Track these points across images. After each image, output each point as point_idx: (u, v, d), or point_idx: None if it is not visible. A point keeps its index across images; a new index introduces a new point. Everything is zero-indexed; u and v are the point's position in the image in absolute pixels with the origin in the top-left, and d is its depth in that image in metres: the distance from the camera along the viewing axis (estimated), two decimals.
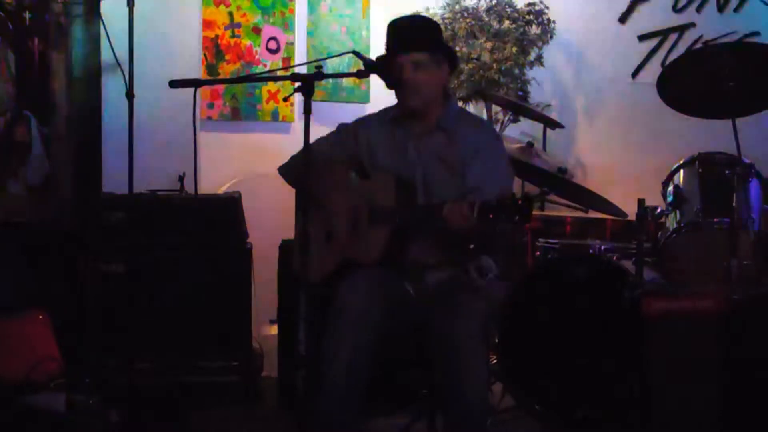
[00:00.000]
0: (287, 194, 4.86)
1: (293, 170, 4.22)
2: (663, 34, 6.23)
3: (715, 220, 4.44)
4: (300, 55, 6.24)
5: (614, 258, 4.48)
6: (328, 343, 3.73)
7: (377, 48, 6.35)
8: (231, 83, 6.08)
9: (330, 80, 6.31)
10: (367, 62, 3.67)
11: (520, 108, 5.91)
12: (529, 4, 6.33)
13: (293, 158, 4.23)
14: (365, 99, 6.44)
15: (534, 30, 6.36)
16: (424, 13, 6.26)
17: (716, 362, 3.84)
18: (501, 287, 4.28)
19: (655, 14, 6.28)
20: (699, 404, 3.79)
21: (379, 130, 4.11)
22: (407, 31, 4.03)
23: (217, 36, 5.99)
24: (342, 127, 4.24)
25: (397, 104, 4.07)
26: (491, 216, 3.41)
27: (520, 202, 3.36)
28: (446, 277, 3.95)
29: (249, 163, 6.07)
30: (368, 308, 3.76)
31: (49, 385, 4.61)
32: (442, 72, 3.99)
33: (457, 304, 3.75)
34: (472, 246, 3.95)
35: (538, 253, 4.92)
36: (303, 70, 3.50)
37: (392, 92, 4.01)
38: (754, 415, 3.94)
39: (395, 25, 4.07)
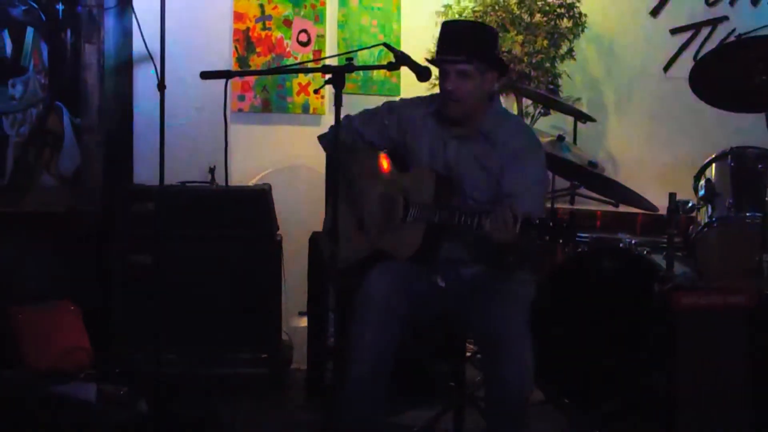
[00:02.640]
0: (317, 186, 4.89)
1: (332, 140, 4.17)
2: (695, 27, 6.19)
3: (747, 214, 4.41)
4: (331, 48, 6.24)
5: (645, 252, 4.45)
6: (354, 335, 3.74)
7: (408, 40, 6.36)
8: (262, 75, 6.08)
9: (361, 73, 6.30)
10: (398, 55, 3.65)
11: (550, 101, 5.88)
12: None
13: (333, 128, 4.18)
14: (396, 92, 6.43)
15: (565, 23, 6.34)
16: (455, 6, 6.26)
17: (746, 358, 3.82)
18: (531, 281, 4.27)
19: (688, 7, 6.23)
20: (727, 400, 3.77)
21: (423, 120, 4.05)
22: (454, 38, 3.93)
23: (248, 28, 6.00)
24: (386, 108, 4.18)
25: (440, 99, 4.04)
26: (534, 233, 3.39)
27: (565, 225, 3.34)
28: (481, 270, 3.94)
29: (279, 155, 6.08)
30: (394, 300, 3.76)
31: (80, 375, 4.65)
32: (486, 81, 3.90)
33: (498, 290, 3.74)
34: (510, 259, 3.91)
35: (567, 247, 4.90)
36: (334, 62, 3.52)
37: (423, 85, 3.98)
38: None
39: (446, 27, 4.01)
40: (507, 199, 3.72)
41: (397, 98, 6.08)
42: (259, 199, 5.15)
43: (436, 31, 6.41)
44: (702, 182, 4.65)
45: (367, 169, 4.06)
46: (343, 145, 3.91)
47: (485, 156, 3.91)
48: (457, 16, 6.35)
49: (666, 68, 6.29)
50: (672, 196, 4.19)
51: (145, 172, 5.29)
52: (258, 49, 6.03)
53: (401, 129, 4.09)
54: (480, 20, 6.22)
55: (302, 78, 6.15)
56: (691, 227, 4.71)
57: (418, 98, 4.23)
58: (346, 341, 3.69)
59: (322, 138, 4.27)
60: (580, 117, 6.00)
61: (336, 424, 3.67)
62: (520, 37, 6.17)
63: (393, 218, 3.94)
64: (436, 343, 4.22)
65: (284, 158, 6.07)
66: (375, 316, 3.74)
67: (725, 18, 6.08)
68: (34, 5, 5.11)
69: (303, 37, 6.16)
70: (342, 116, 3.56)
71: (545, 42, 6.17)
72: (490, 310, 3.66)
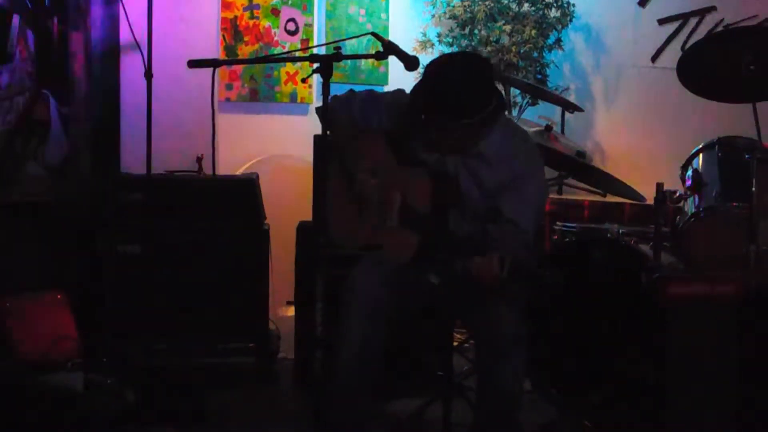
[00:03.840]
0: (305, 176, 4.88)
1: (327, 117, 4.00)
2: (683, 17, 6.18)
3: (734, 204, 4.40)
4: (318, 37, 6.23)
5: (632, 242, 4.46)
6: (340, 328, 3.72)
7: (396, 29, 6.36)
8: (249, 63, 6.07)
9: (348, 62, 6.30)
10: (385, 44, 3.63)
11: (538, 91, 5.89)
12: None
13: (332, 101, 3.85)
14: (384, 81, 6.43)
15: (553, 13, 6.35)
16: None
17: (733, 347, 3.83)
18: None
19: None
20: (715, 389, 3.78)
21: (423, 127, 3.82)
22: (447, 97, 3.65)
23: (235, 17, 5.98)
24: (390, 100, 4.01)
25: None
26: (519, 277, 3.41)
27: (551, 279, 3.37)
28: None
29: (267, 144, 6.08)
30: (380, 295, 3.74)
31: (67, 365, 4.63)
32: (484, 120, 3.68)
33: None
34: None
35: (555, 236, 4.91)
36: (321, 51, 3.49)
37: (411, 74, 3.94)
38: None
39: (436, 79, 3.69)
40: (507, 224, 3.70)
41: (384, 87, 6.18)
42: (247, 188, 5.14)
43: (424, 20, 6.46)
44: (689, 172, 4.64)
45: (365, 157, 3.97)
46: (339, 122, 3.90)
47: (484, 175, 3.82)
48: (445, 6, 6.34)
49: (654, 58, 6.29)
50: (659, 185, 4.19)
51: (132, 161, 5.28)
52: (246, 38, 6.01)
53: (400, 129, 3.94)
54: (468, 9, 6.21)
55: (290, 67, 6.14)
56: (678, 217, 4.71)
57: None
58: (333, 331, 3.69)
59: (320, 110, 4.12)
60: (568, 107, 6.00)
61: (324, 414, 3.66)
62: (508, 27, 6.17)
63: (389, 217, 3.88)
64: (424, 333, 4.21)
65: (272, 147, 6.06)
66: (361, 311, 3.71)
67: (713, 8, 6.08)
68: None
69: (291, 26, 6.15)
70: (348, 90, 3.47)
71: (533, 32, 6.17)
72: (486, 309, 3.64)
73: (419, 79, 3.81)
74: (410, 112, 3.86)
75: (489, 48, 6.16)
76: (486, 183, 3.82)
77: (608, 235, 4.55)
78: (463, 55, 3.85)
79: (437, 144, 3.81)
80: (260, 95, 6.12)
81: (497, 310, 3.61)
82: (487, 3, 6.24)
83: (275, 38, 6.10)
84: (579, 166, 5.10)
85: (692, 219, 4.50)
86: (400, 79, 5.75)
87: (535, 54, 6.29)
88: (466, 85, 3.67)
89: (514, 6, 6.30)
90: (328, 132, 3.68)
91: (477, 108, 3.64)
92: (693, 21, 6.15)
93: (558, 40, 6.39)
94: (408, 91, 3.94)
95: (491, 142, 3.81)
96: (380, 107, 4.00)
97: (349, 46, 5.99)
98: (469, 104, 3.64)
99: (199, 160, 5.32)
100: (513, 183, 3.78)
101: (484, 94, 3.68)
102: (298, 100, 6.20)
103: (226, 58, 5.90)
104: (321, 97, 3.41)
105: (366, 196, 3.91)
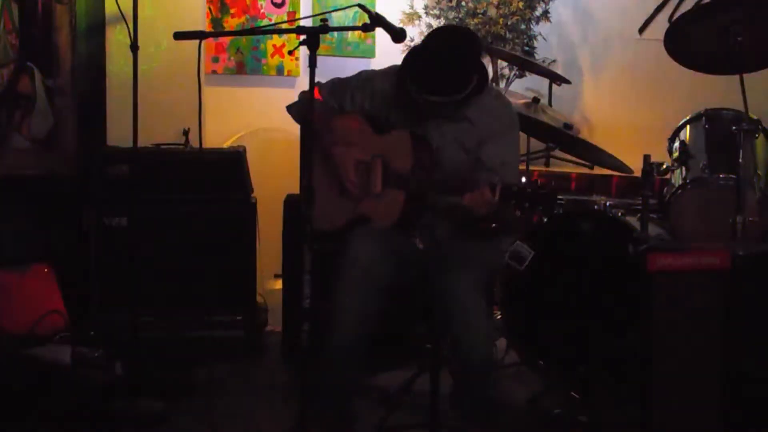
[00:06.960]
0: (292, 149, 4.86)
1: (301, 109, 4.16)
2: None
3: (721, 176, 4.42)
4: (305, 9, 6.20)
5: (619, 214, 4.47)
6: (338, 295, 3.74)
7: (383, 1, 6.32)
8: (236, 36, 6.04)
9: (335, 34, 6.27)
10: (372, 16, 3.63)
11: (526, 63, 5.87)
12: None
13: (301, 95, 4.19)
14: (371, 53, 6.40)
15: None
16: None
17: (720, 319, 3.84)
18: (503, 251, 4.30)
19: None
20: (701, 360, 3.80)
21: (398, 95, 3.98)
22: (435, 75, 3.78)
23: None
24: (358, 79, 4.14)
25: None
26: (513, 201, 3.44)
27: (543, 192, 3.40)
28: (455, 233, 3.94)
29: (254, 117, 6.06)
30: (379, 262, 3.80)
31: (54, 338, 4.64)
32: (468, 96, 3.78)
33: (465, 256, 3.75)
34: (493, 225, 3.92)
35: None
36: (308, 23, 3.48)
37: (398, 46, 3.95)
38: (756, 371, 3.95)
39: (426, 56, 3.83)
40: (484, 172, 3.73)
41: (371, 60, 6.16)
42: (234, 161, 5.13)
43: None
44: (676, 144, 4.66)
45: (341, 134, 4.03)
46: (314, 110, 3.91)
47: (465, 136, 3.90)
48: None
49: (641, 30, 6.27)
50: (646, 157, 4.19)
51: (118, 134, 5.25)
52: (232, 11, 5.98)
53: (374, 103, 4.07)
54: None
55: (277, 39, 6.12)
56: (665, 189, 4.73)
57: (393, 68, 4.15)
58: (323, 304, 3.69)
59: (290, 108, 4.23)
60: (556, 79, 5.99)
61: (314, 386, 3.68)
62: None
63: (373, 183, 3.91)
64: (412, 304, 4.22)
65: (258, 120, 6.04)
66: (360, 281, 3.76)
67: None
68: None
69: None
70: (316, 80, 3.54)
71: (521, 3, 6.15)
72: (449, 276, 3.69)
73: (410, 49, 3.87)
74: (397, 83, 3.92)
75: (476, 20, 6.14)
76: (467, 144, 3.90)
77: (595, 207, 4.55)
78: (450, 30, 3.96)
79: (425, 111, 3.87)
80: (247, 68, 6.09)
81: (457, 276, 3.65)
82: None
83: (261, 10, 6.07)
84: (566, 139, 5.10)
85: (679, 191, 4.52)
86: (386, 51, 5.72)
87: (523, 26, 6.26)
88: (449, 63, 3.79)
89: None
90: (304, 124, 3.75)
91: (460, 86, 3.74)
92: None
93: (545, 12, 6.36)
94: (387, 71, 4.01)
95: (474, 108, 3.88)
96: (350, 89, 4.11)
97: (336, 18, 5.96)
98: (453, 83, 3.74)
99: (185, 133, 5.30)
100: (490, 137, 3.87)
101: (467, 71, 3.77)
102: (285, 72, 6.18)
103: (212, 30, 5.87)
104: (308, 69, 3.40)
105: (346, 170, 3.96)
